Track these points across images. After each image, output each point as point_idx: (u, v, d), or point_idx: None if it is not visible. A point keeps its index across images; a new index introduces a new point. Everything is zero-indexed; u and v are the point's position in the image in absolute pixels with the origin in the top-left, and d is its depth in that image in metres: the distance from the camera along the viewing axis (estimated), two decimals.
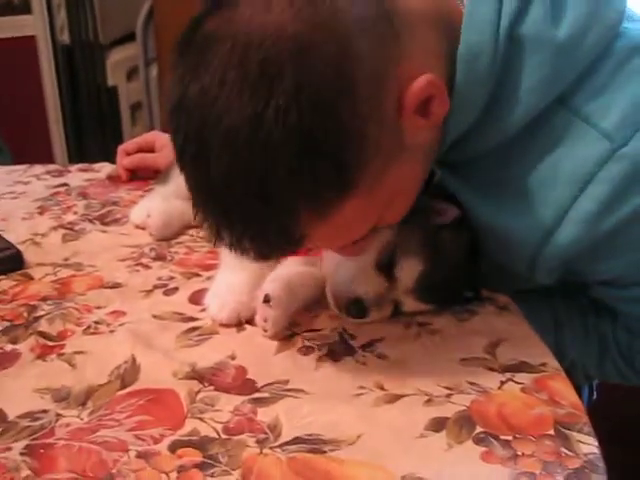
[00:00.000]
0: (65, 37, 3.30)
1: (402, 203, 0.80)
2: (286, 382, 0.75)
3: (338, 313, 0.87)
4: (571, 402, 0.70)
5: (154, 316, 0.90)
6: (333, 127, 0.66)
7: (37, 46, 3.36)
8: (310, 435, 0.67)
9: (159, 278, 1.02)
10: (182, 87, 0.68)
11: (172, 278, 1.02)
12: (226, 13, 0.68)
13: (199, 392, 0.74)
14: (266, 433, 0.67)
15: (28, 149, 3.16)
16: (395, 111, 0.71)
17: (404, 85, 0.71)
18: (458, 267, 0.87)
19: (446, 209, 0.87)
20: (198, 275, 1.02)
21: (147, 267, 1.06)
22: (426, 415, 0.69)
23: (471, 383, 0.74)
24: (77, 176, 1.54)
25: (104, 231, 1.21)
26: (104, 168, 1.56)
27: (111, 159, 1.56)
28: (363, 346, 0.82)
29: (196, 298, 0.95)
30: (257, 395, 0.73)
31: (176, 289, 0.98)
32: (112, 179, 1.50)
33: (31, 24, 3.39)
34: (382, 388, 0.74)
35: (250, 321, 0.87)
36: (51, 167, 1.61)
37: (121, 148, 1.50)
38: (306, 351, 0.82)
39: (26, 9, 3.44)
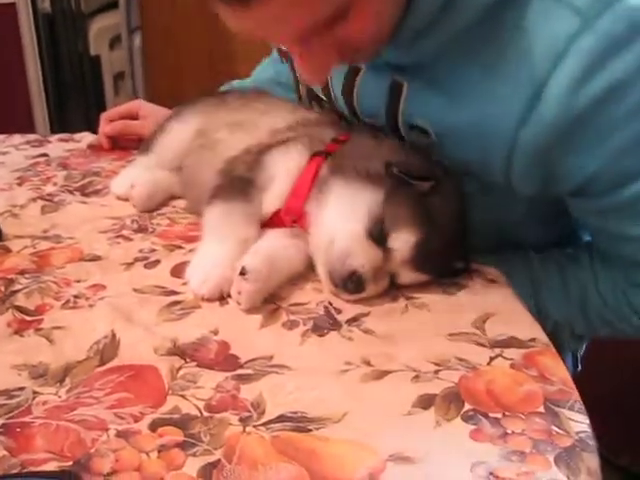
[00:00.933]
0: (46, 5, 3.23)
1: (362, 15, 0.75)
2: (270, 358, 0.73)
3: (333, 290, 0.85)
4: (561, 378, 0.69)
5: (135, 290, 0.88)
6: None
7: (18, 14, 3.29)
8: (295, 413, 0.65)
9: (140, 250, 0.99)
10: None
11: (153, 250, 0.99)
12: None
13: (180, 368, 0.72)
14: (249, 411, 0.66)
15: (9, 119, 3.10)
16: None
17: None
18: (451, 234, 0.86)
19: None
20: (180, 247, 1.00)
21: (128, 239, 1.03)
22: (414, 392, 0.67)
23: (459, 359, 0.72)
24: (57, 146, 1.51)
25: (84, 202, 1.18)
26: (85, 138, 1.52)
27: (94, 129, 1.53)
28: (349, 320, 0.80)
29: (178, 271, 0.92)
30: (240, 371, 0.71)
31: (157, 262, 0.95)
32: (93, 148, 1.47)
33: None
34: (369, 364, 0.72)
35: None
36: (31, 137, 1.57)
37: (104, 115, 1.47)
38: (291, 325, 0.80)
39: None
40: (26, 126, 3.13)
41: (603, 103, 0.77)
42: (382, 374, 0.70)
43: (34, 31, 3.23)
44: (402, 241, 0.83)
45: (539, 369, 0.70)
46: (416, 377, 0.70)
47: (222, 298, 0.85)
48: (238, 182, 0.94)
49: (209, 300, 0.85)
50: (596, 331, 1.01)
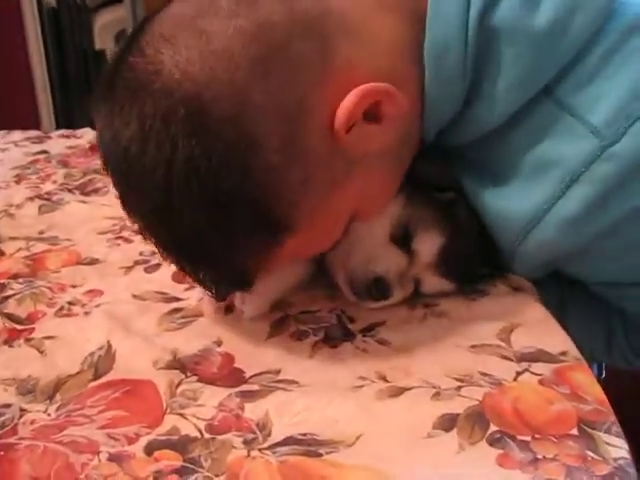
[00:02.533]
0: None
1: (374, 204, 0.76)
2: (277, 372, 0.68)
3: (355, 300, 0.78)
4: (596, 397, 0.63)
5: (134, 296, 0.83)
6: (248, 185, 0.62)
7: (22, 8, 3.24)
8: (304, 435, 0.59)
9: (141, 253, 0.94)
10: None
11: (154, 253, 0.93)
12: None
13: (180, 384, 0.66)
14: (254, 432, 0.60)
15: (14, 114, 3.05)
16: (325, 139, 0.65)
17: (336, 104, 0.64)
18: (476, 239, 0.80)
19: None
20: None
21: (128, 241, 0.98)
22: (434, 411, 0.62)
23: (483, 374, 0.66)
24: (58, 143, 1.45)
25: (84, 202, 1.13)
26: (87, 134, 1.46)
27: None
28: (363, 330, 0.75)
29: (180, 276, 0.86)
30: (245, 387, 0.66)
31: (158, 265, 0.90)
32: (94, 148, 1.41)
33: None
34: (384, 379, 0.66)
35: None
36: (31, 133, 1.52)
37: None
38: (300, 336, 0.74)
39: None
40: (31, 121, 3.08)
41: (622, 225, 0.71)
42: (399, 391, 0.65)
43: (39, 25, 3.18)
44: (427, 243, 0.77)
45: (571, 386, 0.64)
46: (436, 394, 0.64)
47: (228, 304, 0.80)
48: None
49: (217, 302, 0.79)
50: (617, 366, 0.95)
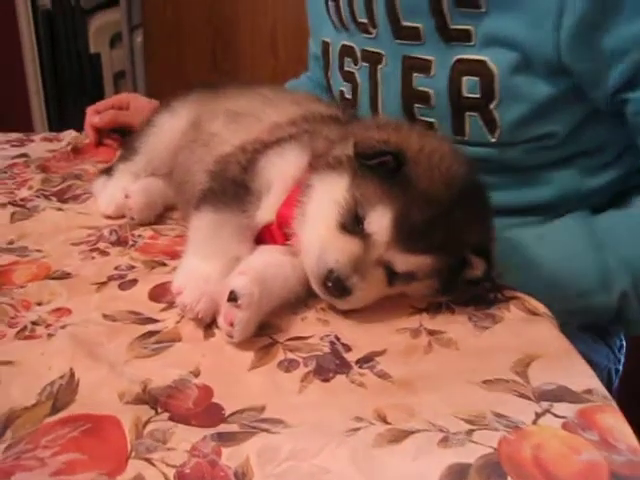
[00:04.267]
0: (46, 1, 3.10)
1: None
2: (261, 409, 0.59)
3: (327, 299, 0.73)
4: (628, 445, 0.54)
5: (105, 316, 0.74)
6: None
7: (16, 10, 3.17)
8: None
9: (117, 267, 0.85)
10: None
11: (132, 268, 0.85)
12: None
13: (149, 422, 0.57)
14: None
15: (7, 118, 2.97)
16: None
17: None
18: (443, 201, 0.71)
19: (477, 261, 0.74)
20: (163, 264, 0.86)
21: (104, 253, 0.89)
22: (442, 460, 0.53)
23: (498, 415, 0.58)
24: (40, 146, 1.37)
25: (60, 209, 1.05)
26: (69, 136, 1.38)
27: None
28: (360, 361, 0.66)
29: (157, 294, 0.78)
30: (223, 428, 0.57)
31: (134, 282, 0.81)
32: (77, 151, 1.33)
33: None
34: (385, 420, 0.57)
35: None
36: (12, 136, 1.44)
37: (91, 107, 1.33)
38: (288, 366, 0.65)
39: None
40: (24, 125, 3.00)
41: None
42: (401, 435, 0.56)
43: (33, 28, 3.11)
44: (377, 221, 0.70)
45: (600, 432, 0.55)
46: (444, 439, 0.55)
47: (209, 327, 0.71)
48: (231, 186, 0.80)
49: (200, 322, 0.71)
50: None
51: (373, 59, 0.97)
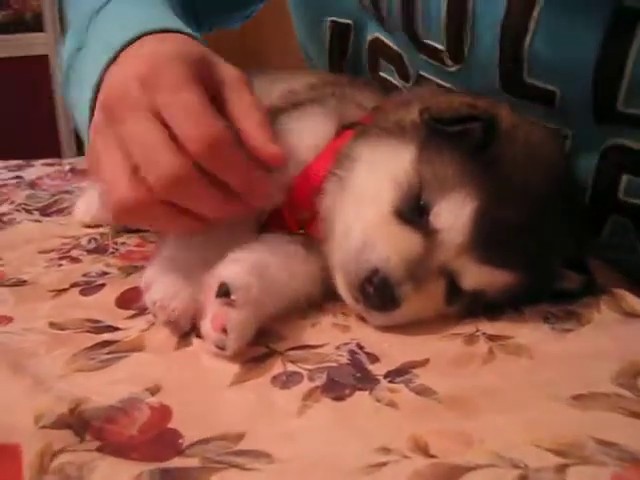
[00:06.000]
0: None
1: None
2: (238, 438, 0.39)
3: (358, 310, 0.52)
4: None
5: (52, 324, 0.56)
6: None
7: (50, 66, 3.14)
8: None
9: (85, 274, 0.67)
10: None
11: (104, 274, 0.67)
12: None
13: (62, 452, 0.38)
14: None
15: (35, 144, 2.89)
16: None
17: None
18: (539, 200, 0.52)
19: (571, 274, 0.55)
20: (143, 269, 0.66)
21: (75, 261, 0.72)
22: None
23: (602, 442, 0.37)
24: (38, 170, 1.22)
25: (38, 221, 0.88)
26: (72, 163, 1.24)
27: None
28: (391, 374, 0.46)
29: (127, 299, 0.60)
30: (176, 462, 0.37)
31: (101, 286, 0.63)
32: (75, 172, 1.17)
33: (44, 42, 3.18)
34: (426, 452, 0.37)
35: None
36: (11, 162, 1.29)
37: None
38: (287, 381, 0.45)
39: (38, 27, 3.22)
40: (52, 150, 2.95)
41: None
42: (453, 473, 0.35)
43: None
44: (450, 213, 0.50)
45: None
46: (521, 478, 0.34)
47: (187, 336, 0.52)
48: None
49: (175, 328, 0.52)
50: None
51: None
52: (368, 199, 0.53)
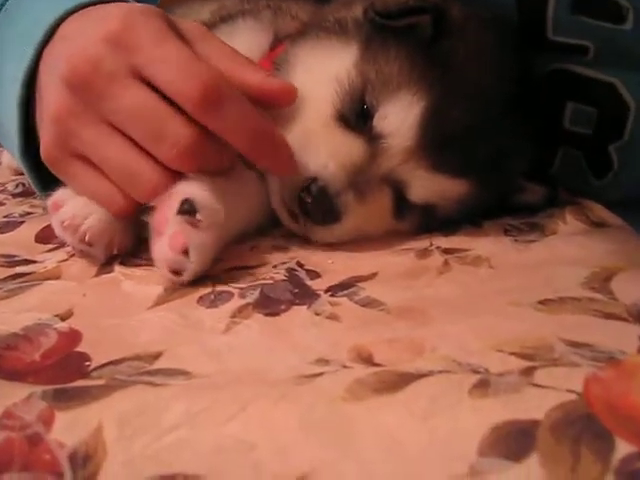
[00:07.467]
0: None
1: None
2: (154, 357, 0.33)
3: (294, 226, 0.48)
4: None
5: None
6: None
7: None
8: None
9: (6, 215, 0.61)
10: None
11: (27, 214, 0.61)
12: None
13: None
14: (62, 476, 0.25)
15: None
16: None
17: None
18: (492, 100, 0.47)
19: (533, 187, 0.51)
20: None
21: None
22: (480, 418, 0.27)
23: (574, 343, 0.32)
24: None
25: None
26: None
27: None
28: (333, 288, 0.40)
29: (48, 235, 0.53)
30: (78, 383, 0.31)
31: (20, 224, 0.57)
32: None
33: None
34: (370, 361, 0.32)
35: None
36: None
37: None
38: (215, 299, 0.40)
39: None
40: None
41: None
42: (400, 380, 0.30)
43: None
44: (396, 115, 0.45)
45: None
46: (481, 385, 0.29)
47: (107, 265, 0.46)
48: None
49: (93, 254, 0.45)
50: None
51: None
52: (306, 103, 0.48)
